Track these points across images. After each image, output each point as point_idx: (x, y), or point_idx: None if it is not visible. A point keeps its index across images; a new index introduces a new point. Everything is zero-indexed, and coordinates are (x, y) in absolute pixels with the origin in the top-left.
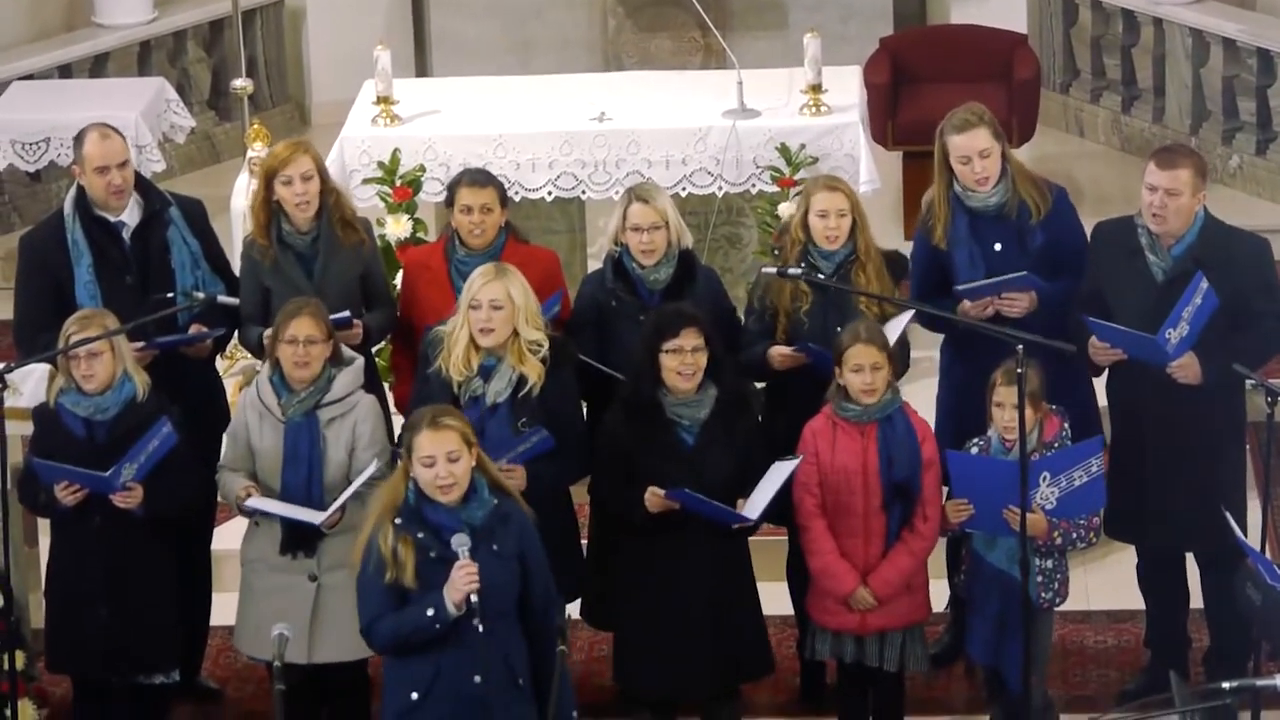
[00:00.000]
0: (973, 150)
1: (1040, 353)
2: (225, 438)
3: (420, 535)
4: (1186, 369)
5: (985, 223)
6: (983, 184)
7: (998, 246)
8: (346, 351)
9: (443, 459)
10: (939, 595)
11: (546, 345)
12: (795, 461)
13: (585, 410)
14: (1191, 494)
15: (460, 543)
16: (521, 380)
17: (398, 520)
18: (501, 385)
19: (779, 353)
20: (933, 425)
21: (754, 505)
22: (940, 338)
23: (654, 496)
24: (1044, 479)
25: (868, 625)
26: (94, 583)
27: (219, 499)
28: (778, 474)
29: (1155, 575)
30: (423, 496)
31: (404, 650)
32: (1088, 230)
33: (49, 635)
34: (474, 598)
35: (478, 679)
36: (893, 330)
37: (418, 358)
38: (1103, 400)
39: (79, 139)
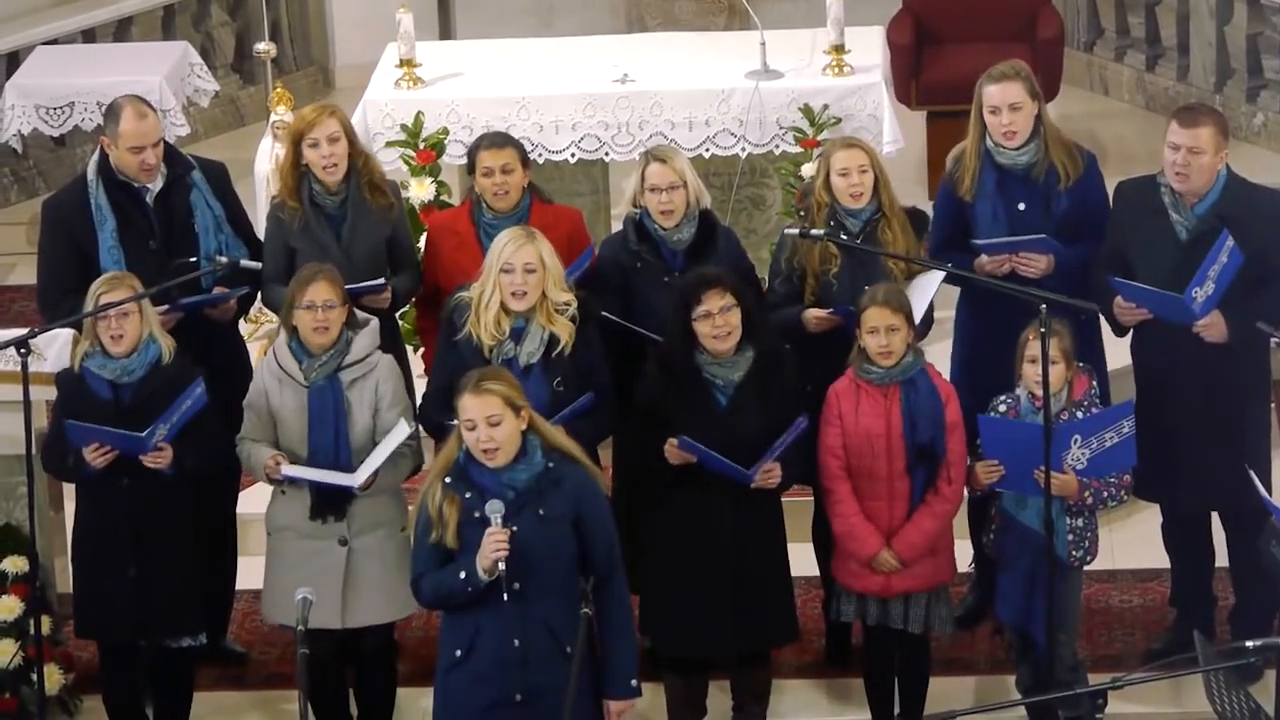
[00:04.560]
0: (1003, 102)
1: (1058, 314)
2: (245, 408)
3: (467, 495)
4: (1212, 328)
5: (1012, 181)
6: (1009, 138)
7: (1021, 206)
8: (360, 314)
9: (483, 423)
10: (963, 556)
11: (574, 304)
12: (803, 423)
13: (612, 368)
14: (1216, 453)
15: (494, 509)
16: (553, 340)
17: (448, 479)
18: (534, 346)
19: (815, 315)
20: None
21: (757, 465)
22: (956, 294)
23: (670, 448)
24: (1075, 441)
25: (892, 588)
26: (122, 544)
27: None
28: (789, 435)
29: (1180, 534)
30: (471, 457)
31: (447, 608)
32: (1110, 191)
33: (77, 599)
34: (502, 565)
35: (517, 643)
36: (925, 290)
37: (440, 322)
38: (1126, 360)
39: (113, 113)
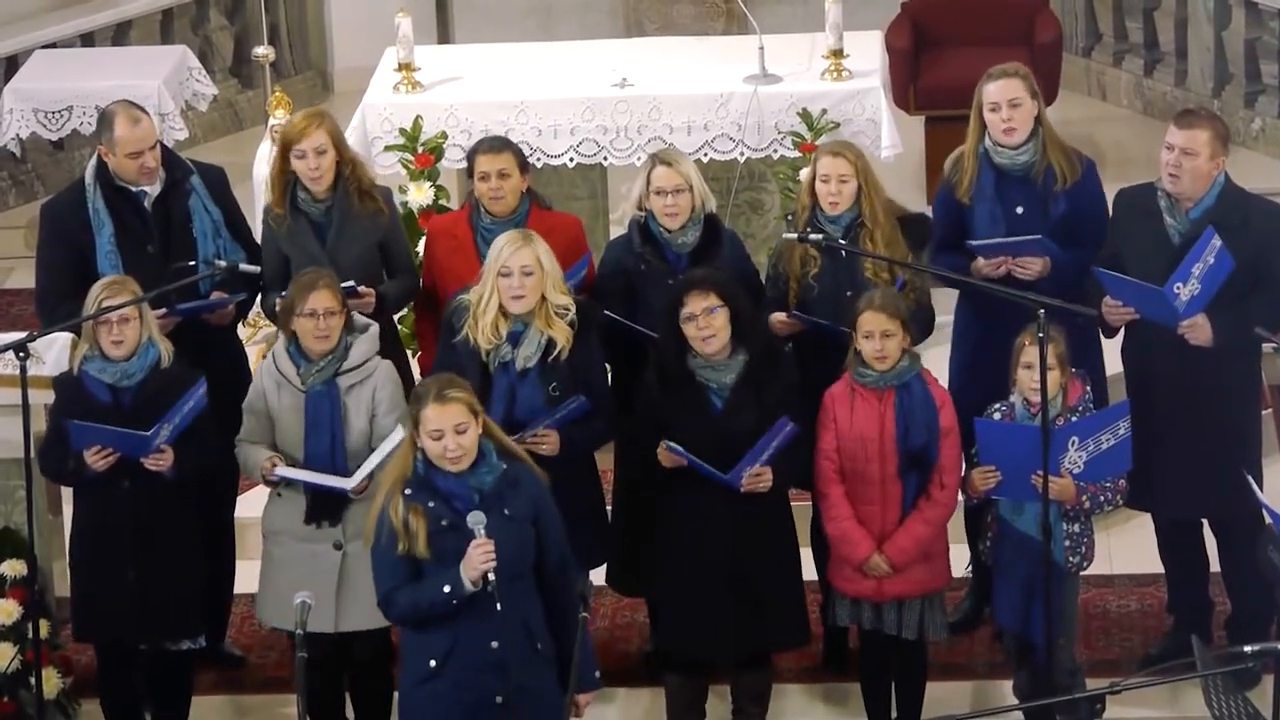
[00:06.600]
0: (1003, 98)
1: (1054, 319)
2: (244, 411)
3: (431, 504)
4: (1197, 329)
5: (1010, 183)
6: (1009, 134)
7: (1020, 209)
8: (359, 319)
9: (450, 432)
10: (958, 561)
11: (573, 309)
12: (786, 425)
13: (614, 372)
14: (1205, 459)
15: (476, 520)
16: (550, 345)
17: (407, 491)
18: (531, 350)
19: (777, 319)
20: (946, 385)
21: (737, 470)
22: (955, 298)
23: (662, 451)
24: (1072, 444)
25: (884, 592)
26: (122, 547)
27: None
28: (769, 437)
29: (1173, 541)
30: (431, 465)
31: (422, 622)
32: (1110, 198)
33: (75, 602)
34: (491, 576)
35: (495, 644)
36: None
37: (440, 325)
38: (1118, 366)
39: (107, 121)
